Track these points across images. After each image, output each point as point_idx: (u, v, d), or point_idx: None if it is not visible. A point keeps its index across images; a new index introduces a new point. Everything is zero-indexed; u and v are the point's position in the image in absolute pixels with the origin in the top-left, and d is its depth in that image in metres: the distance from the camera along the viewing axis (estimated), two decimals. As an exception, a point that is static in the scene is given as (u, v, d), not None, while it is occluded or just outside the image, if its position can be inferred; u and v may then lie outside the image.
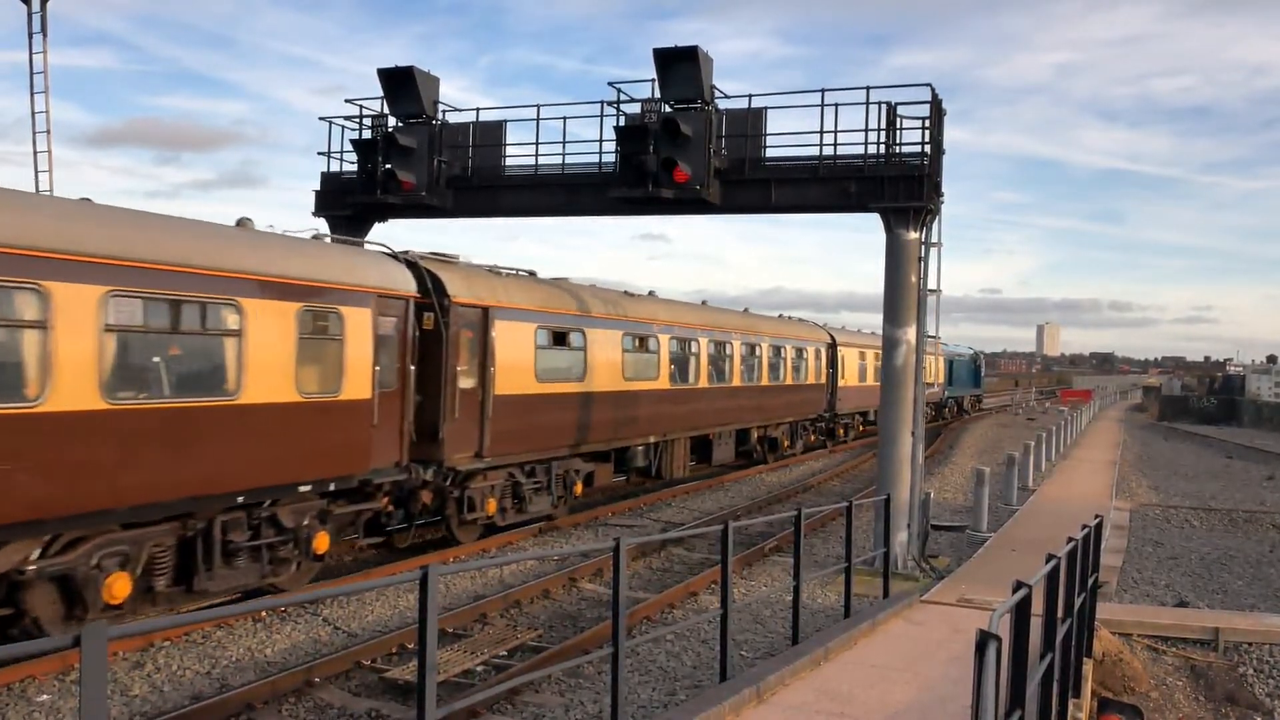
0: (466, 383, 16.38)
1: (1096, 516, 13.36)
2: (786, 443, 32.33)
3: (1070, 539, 9.50)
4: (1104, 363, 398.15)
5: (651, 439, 22.43)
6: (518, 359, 17.49)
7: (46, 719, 9.04)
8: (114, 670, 10.07)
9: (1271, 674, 13.10)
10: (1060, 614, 8.28)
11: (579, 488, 19.75)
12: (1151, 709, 12.08)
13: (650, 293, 24.77)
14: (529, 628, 12.45)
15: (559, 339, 18.97)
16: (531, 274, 19.58)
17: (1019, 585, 6.48)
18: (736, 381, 27.10)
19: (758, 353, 28.75)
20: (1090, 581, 11.32)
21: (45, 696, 9.45)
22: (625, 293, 22.36)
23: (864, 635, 11.55)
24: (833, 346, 36.10)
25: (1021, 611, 6.34)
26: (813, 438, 35.60)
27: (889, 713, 8.99)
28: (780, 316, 34.58)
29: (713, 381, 25.53)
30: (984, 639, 5.18)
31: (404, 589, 13.62)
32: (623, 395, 20.82)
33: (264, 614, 12.25)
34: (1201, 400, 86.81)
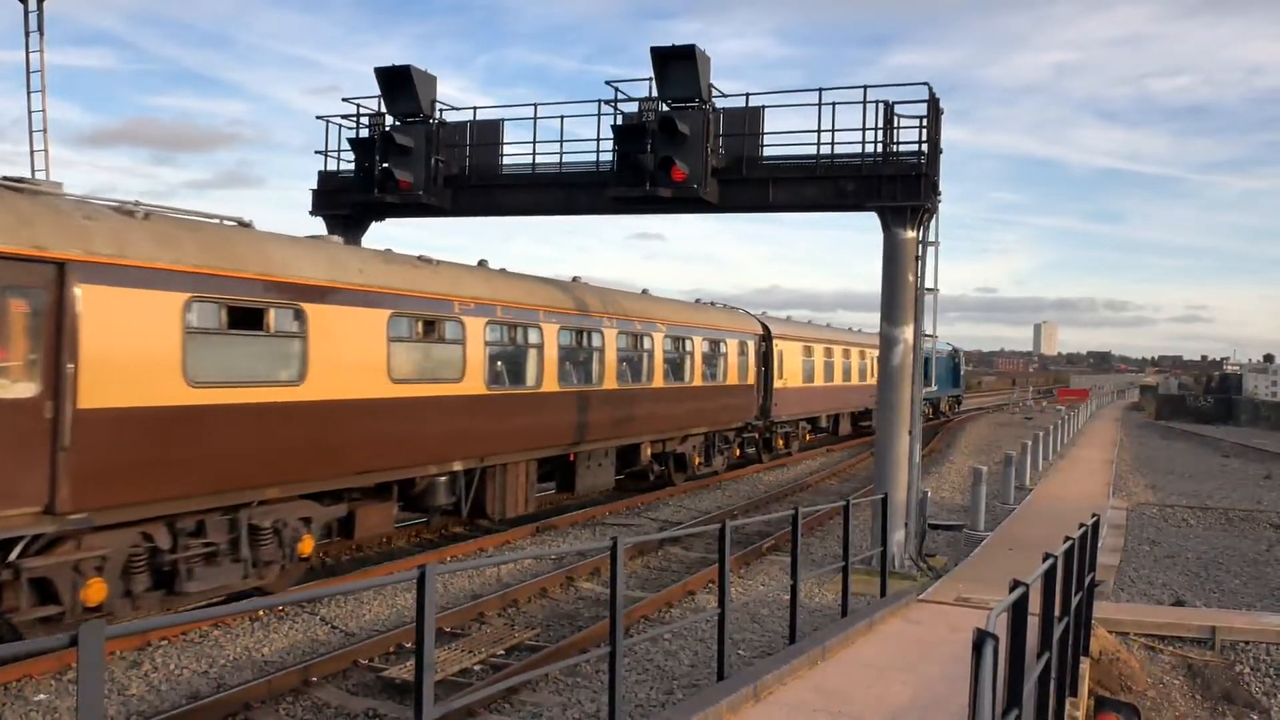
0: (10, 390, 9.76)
1: (1094, 515, 13.37)
2: (699, 459, 25.43)
3: (1067, 538, 9.51)
4: (1101, 362, 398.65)
5: (457, 465, 15.88)
6: (143, 350, 10.86)
7: (44, 718, 9.03)
8: (111, 669, 10.07)
9: (1268, 673, 13.13)
10: (1057, 613, 8.29)
11: (307, 544, 13.10)
12: (1149, 708, 12.10)
13: (481, 262, 18.39)
14: (527, 627, 12.45)
15: (243, 319, 12.15)
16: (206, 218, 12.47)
17: (1016, 584, 6.48)
18: (611, 384, 20.43)
19: (648, 345, 22.07)
20: (1087, 580, 11.33)
21: (42, 696, 9.44)
22: (420, 258, 15.90)
23: (861, 634, 11.55)
24: (766, 339, 29.41)
25: (1019, 610, 6.35)
26: (738, 451, 29.23)
27: (887, 712, 9.00)
28: (698, 303, 28.18)
29: (570, 384, 19.02)
30: (981, 638, 5.18)
31: (401, 588, 13.63)
32: (389, 405, 14.21)
33: (261, 613, 12.24)
34: (1199, 399, 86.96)
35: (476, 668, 10.66)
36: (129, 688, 9.82)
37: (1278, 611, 15.92)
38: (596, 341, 20.04)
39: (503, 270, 18.57)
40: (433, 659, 6.03)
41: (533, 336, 17.87)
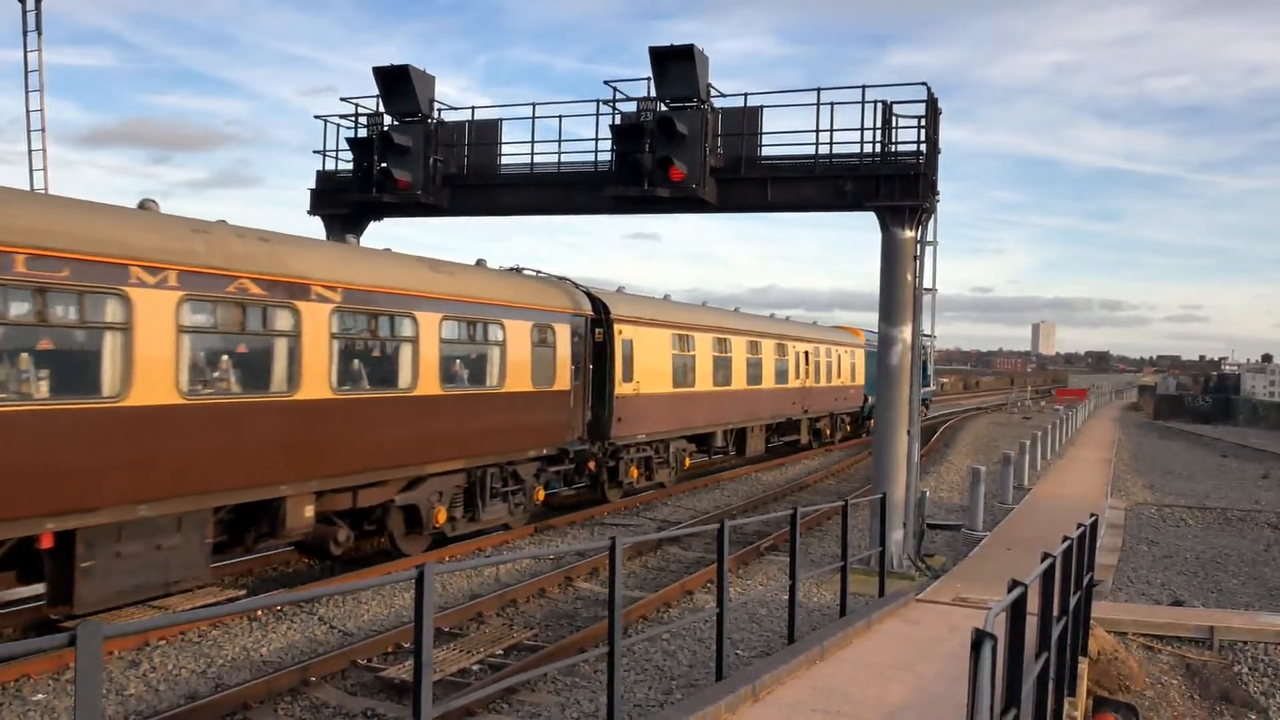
0: None
1: (1092, 515, 13.38)
2: (443, 515, 15.68)
3: (1066, 538, 9.51)
4: (1100, 362, 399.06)
5: None
6: None
7: (42, 718, 9.03)
8: (109, 669, 10.06)
9: (1266, 672, 13.14)
10: (1056, 613, 8.29)
11: None
12: (1147, 708, 12.10)
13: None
14: (525, 627, 12.44)
15: None
16: None
17: (1014, 584, 6.48)
18: (307, 391, 12.77)
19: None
20: (1086, 580, 11.33)
21: (41, 696, 9.43)
22: None
23: (860, 634, 11.55)
24: (601, 324, 20.51)
25: (1017, 610, 6.34)
26: (541, 494, 18.77)
27: (885, 711, 9.00)
28: (479, 266, 17.97)
29: (209, 390, 11.79)
30: (980, 638, 5.18)
31: (400, 588, 13.63)
32: None
33: (259, 613, 12.24)
34: (1197, 399, 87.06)
35: (475, 667, 10.66)
36: (127, 688, 9.81)
37: (1276, 611, 15.94)
38: (257, 321, 12.40)
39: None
40: (431, 659, 6.03)
41: (103, 309, 10.54)
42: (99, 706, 4.13)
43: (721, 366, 26.59)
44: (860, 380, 40.73)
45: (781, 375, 31.35)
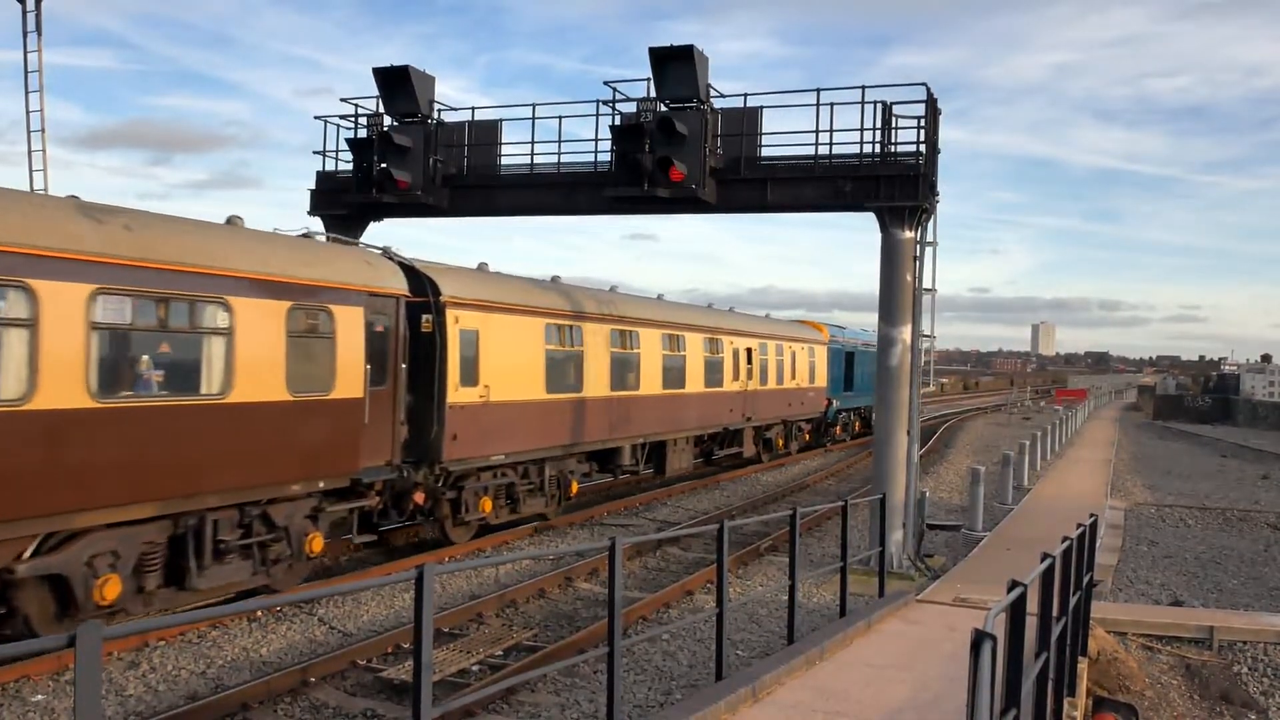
0: None
1: (1091, 515, 13.37)
2: (142, 585, 11.19)
3: (1065, 538, 9.50)
4: (1099, 362, 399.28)
5: None
6: None
7: (41, 719, 9.02)
8: (109, 670, 10.06)
9: (1266, 672, 13.13)
10: (1056, 613, 8.29)
11: None
12: (1147, 708, 12.10)
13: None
14: (525, 627, 12.45)
15: None
16: None
17: (1014, 584, 6.48)
18: None
19: None
20: (1085, 580, 11.33)
21: (40, 696, 9.43)
22: None
23: (860, 634, 11.55)
24: (429, 309, 15.86)
25: (1017, 610, 6.34)
26: (317, 542, 13.30)
27: (885, 711, 9.00)
28: (233, 223, 13.12)
29: None
30: (979, 638, 5.18)
31: (399, 588, 13.63)
32: None
33: (259, 614, 12.25)
34: (1196, 399, 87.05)
35: (475, 668, 10.67)
36: (127, 688, 9.81)
37: (1276, 611, 15.94)
38: None
39: None
40: (431, 659, 6.03)
41: None
42: (98, 707, 4.13)
43: (625, 366, 21.27)
44: (822, 381, 36.11)
45: (714, 376, 26.07)
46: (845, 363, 39.68)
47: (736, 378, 27.64)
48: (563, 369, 19.10)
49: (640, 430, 22.09)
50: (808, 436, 35.93)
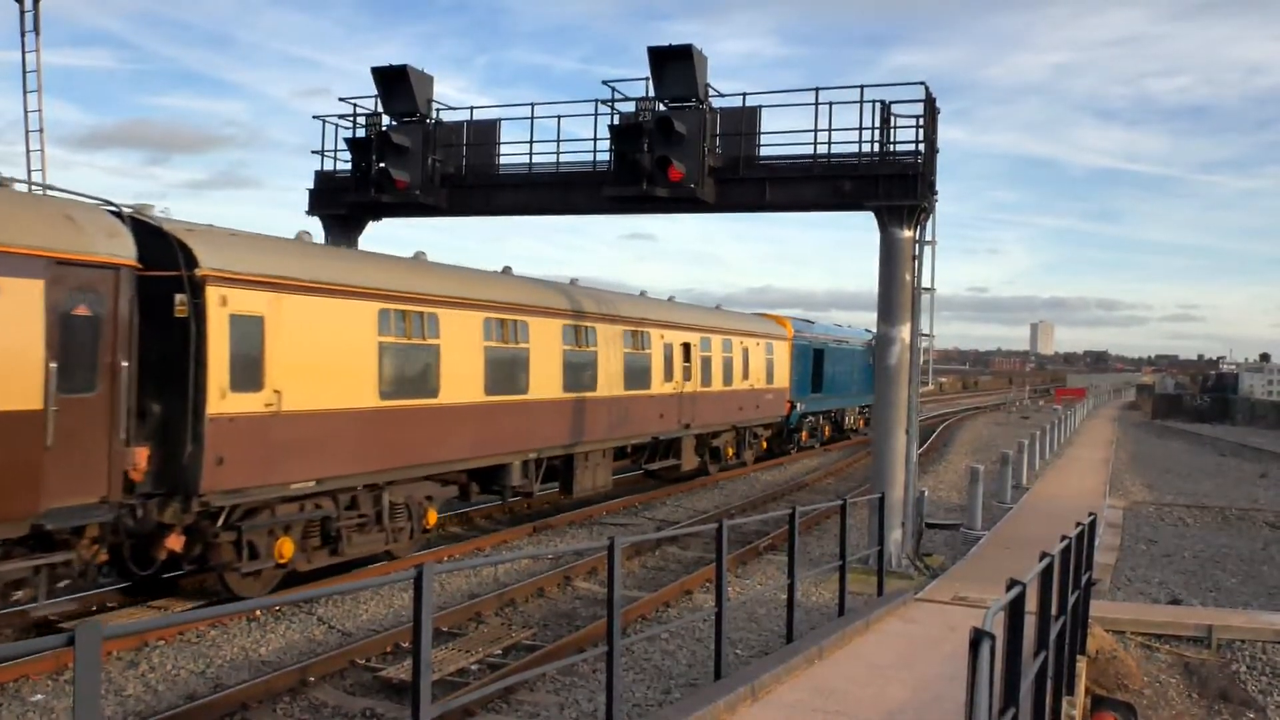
0: None
1: (1090, 514, 13.40)
2: None
3: (1064, 537, 9.51)
4: (1098, 361, 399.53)
5: None
6: None
7: (41, 719, 9.02)
8: (108, 670, 10.05)
9: (1264, 671, 13.14)
10: (1054, 612, 8.29)
11: None
12: (1145, 706, 12.11)
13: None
14: (524, 626, 12.45)
15: None
16: None
17: (1013, 583, 6.49)
18: None
19: None
20: (1084, 579, 11.34)
21: (39, 696, 9.43)
22: None
23: (859, 633, 11.56)
24: (176, 286, 11.71)
25: (1016, 609, 6.35)
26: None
27: (884, 711, 9.00)
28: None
29: None
30: (978, 637, 5.18)
31: (398, 588, 13.62)
32: None
33: (258, 613, 12.24)
34: (1195, 398, 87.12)
35: (474, 667, 10.67)
36: (126, 688, 9.81)
37: (1274, 610, 15.95)
38: None
39: None
40: (430, 659, 6.03)
41: None
42: (98, 707, 4.13)
43: (508, 365, 17.31)
44: (783, 382, 31.63)
45: (638, 376, 21.90)
46: (813, 361, 35.03)
47: (670, 378, 23.34)
48: (409, 368, 15.10)
49: (533, 443, 18.09)
50: (765, 445, 31.41)
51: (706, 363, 25.73)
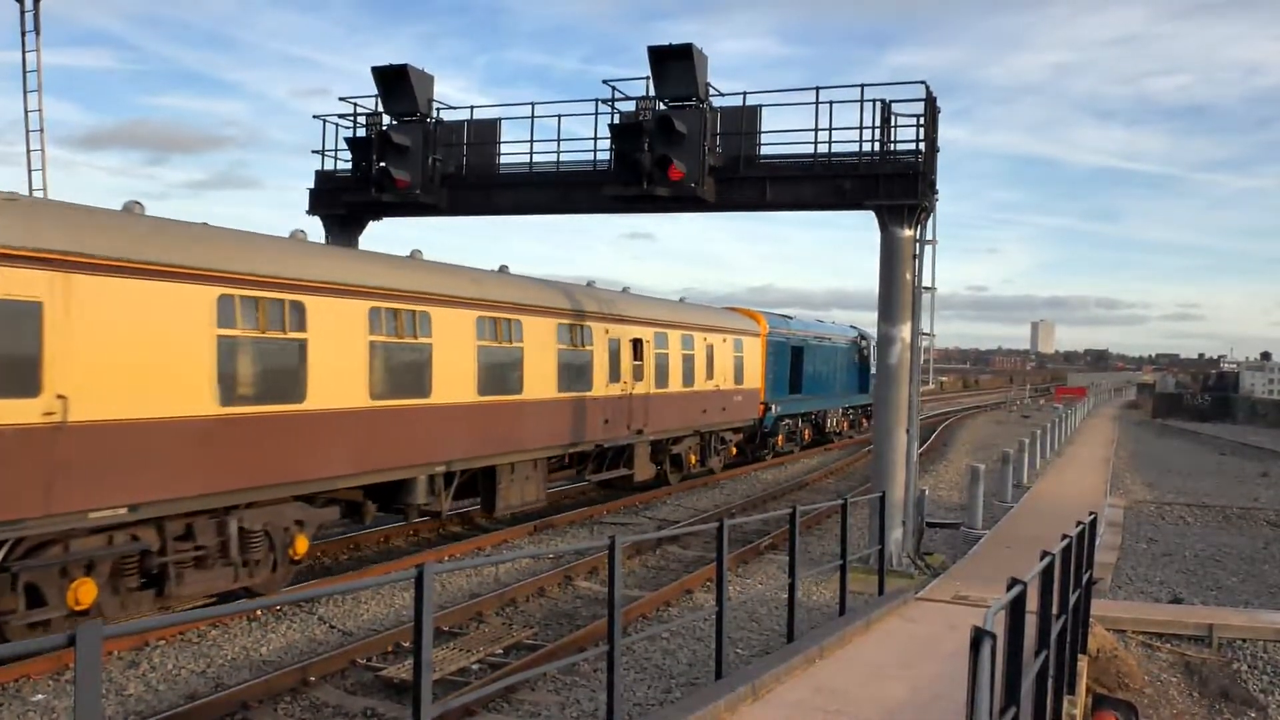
0: None
1: (1091, 513, 13.40)
2: None
3: (1065, 536, 9.51)
4: (1099, 360, 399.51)
5: None
6: None
7: (41, 719, 9.03)
8: (109, 669, 10.06)
9: (1265, 670, 13.15)
10: (1055, 611, 8.30)
11: None
12: (1146, 706, 12.11)
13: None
14: (524, 626, 12.45)
15: None
16: None
17: (1014, 582, 6.49)
18: None
19: None
20: (1085, 578, 11.34)
21: (40, 696, 9.43)
22: None
23: (859, 633, 11.56)
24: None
25: (1016, 608, 6.35)
26: None
27: (884, 710, 9.00)
28: None
29: None
30: (979, 636, 5.18)
31: (399, 587, 13.63)
32: None
33: (259, 613, 12.24)
34: (1196, 397, 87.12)
35: (474, 667, 10.67)
36: (127, 688, 9.81)
37: (1275, 609, 15.95)
38: None
39: None
40: (431, 658, 6.04)
41: None
42: (98, 706, 4.13)
43: (407, 364, 14.99)
44: (755, 382, 29.12)
45: (576, 376, 19.43)
46: (791, 359, 32.58)
47: (616, 378, 20.83)
48: (264, 368, 12.59)
49: (441, 454, 15.62)
50: (734, 451, 28.89)
51: (662, 361, 23.30)
